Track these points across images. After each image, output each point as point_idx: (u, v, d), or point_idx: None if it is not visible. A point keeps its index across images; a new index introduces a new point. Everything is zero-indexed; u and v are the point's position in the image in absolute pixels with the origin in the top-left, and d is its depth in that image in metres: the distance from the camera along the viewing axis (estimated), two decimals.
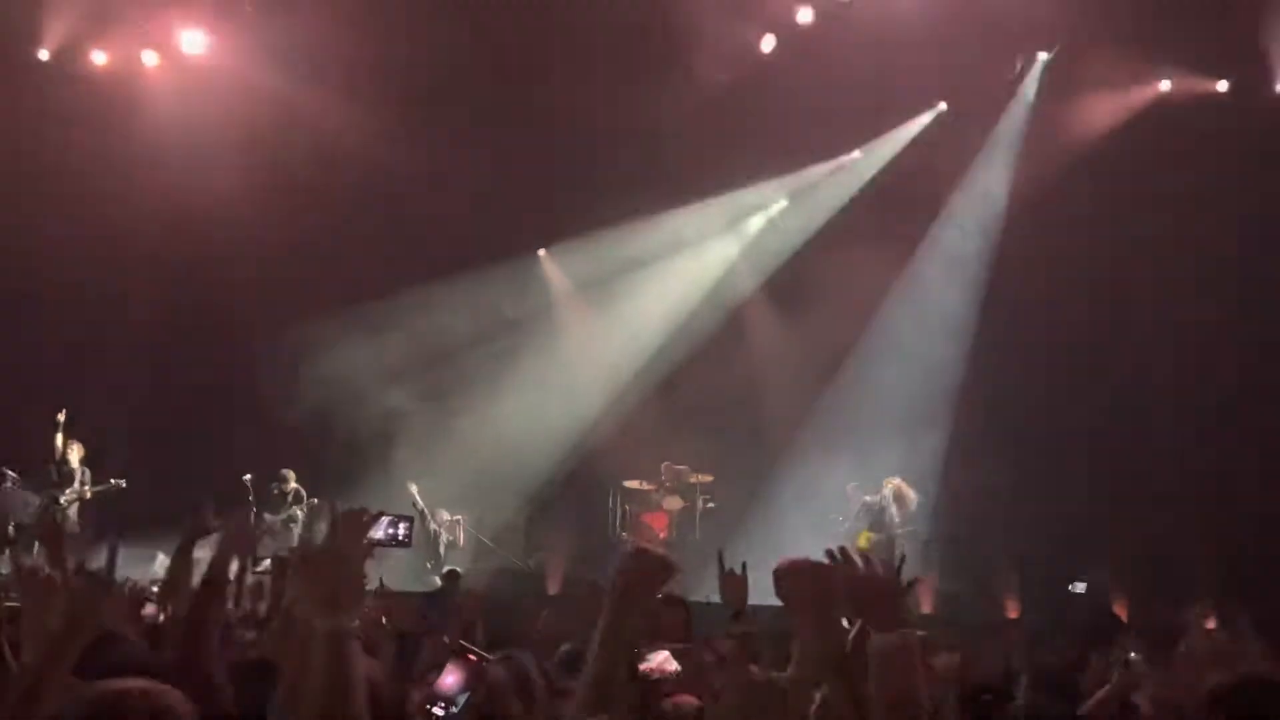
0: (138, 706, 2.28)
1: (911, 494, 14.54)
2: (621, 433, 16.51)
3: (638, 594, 2.95)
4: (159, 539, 11.95)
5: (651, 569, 2.98)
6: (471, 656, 3.25)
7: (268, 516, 14.48)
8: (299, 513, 14.78)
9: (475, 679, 3.21)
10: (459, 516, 15.61)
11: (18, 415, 13.93)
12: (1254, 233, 14.49)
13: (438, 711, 3.12)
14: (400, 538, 11.59)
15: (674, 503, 16.06)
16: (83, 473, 14.08)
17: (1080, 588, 14.33)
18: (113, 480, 14.15)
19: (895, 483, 14.54)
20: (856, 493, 14.72)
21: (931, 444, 15.12)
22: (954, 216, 16.54)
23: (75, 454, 14.06)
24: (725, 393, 15.74)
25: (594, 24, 14.82)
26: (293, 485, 14.90)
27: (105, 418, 14.63)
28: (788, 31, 15.49)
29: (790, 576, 2.90)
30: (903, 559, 3.10)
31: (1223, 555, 13.51)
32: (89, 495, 14.13)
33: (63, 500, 13.91)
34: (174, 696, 2.35)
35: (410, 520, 12.28)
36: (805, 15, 15.37)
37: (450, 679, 3.20)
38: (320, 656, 2.48)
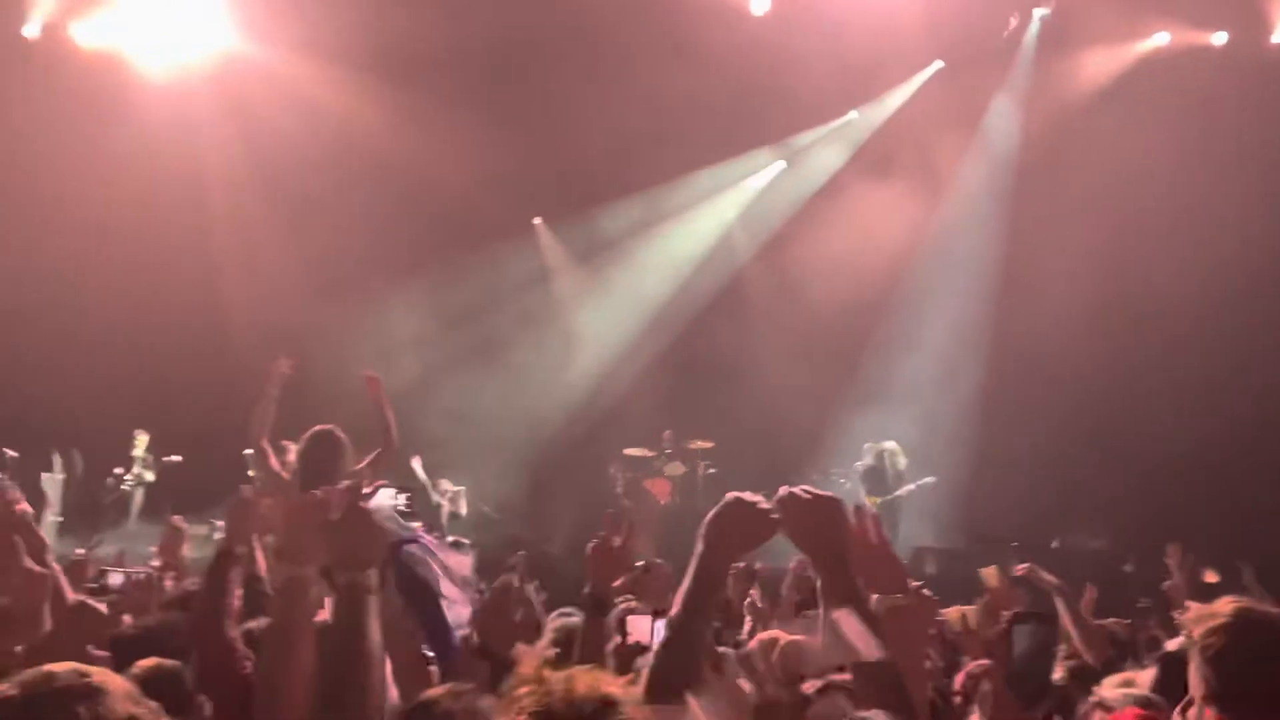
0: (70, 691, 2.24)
1: (902, 458, 14.58)
2: (622, 400, 16.52)
3: (725, 555, 2.58)
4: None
5: (746, 524, 2.60)
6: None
7: None
8: None
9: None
10: (461, 487, 15.59)
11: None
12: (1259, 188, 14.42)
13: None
14: (401, 509, 11.53)
15: (675, 469, 16.06)
16: (144, 458, 14.50)
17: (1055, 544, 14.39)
18: (166, 458, 14.46)
19: (891, 446, 14.56)
20: (871, 451, 14.71)
21: (941, 408, 15.10)
22: (961, 177, 16.43)
23: (141, 441, 14.49)
24: (726, 358, 15.73)
25: None
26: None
27: (107, 401, 14.56)
28: None
29: (793, 507, 2.62)
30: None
31: (1233, 512, 13.54)
32: (150, 477, 14.50)
33: (124, 486, 14.38)
34: (112, 681, 2.32)
35: (410, 492, 12.23)
36: None
37: None
38: (274, 605, 2.74)
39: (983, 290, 15.79)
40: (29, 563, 3.43)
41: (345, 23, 14.41)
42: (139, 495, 14.47)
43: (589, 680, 1.92)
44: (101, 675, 2.21)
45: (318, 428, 6.49)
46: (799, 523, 2.61)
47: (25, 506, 4.11)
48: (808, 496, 2.63)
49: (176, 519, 7.18)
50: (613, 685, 1.94)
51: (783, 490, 2.64)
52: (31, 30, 15.12)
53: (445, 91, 15.20)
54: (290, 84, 15.09)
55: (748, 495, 2.62)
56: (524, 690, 1.91)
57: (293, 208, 15.44)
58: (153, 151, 14.85)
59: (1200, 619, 2.94)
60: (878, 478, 14.52)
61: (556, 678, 1.91)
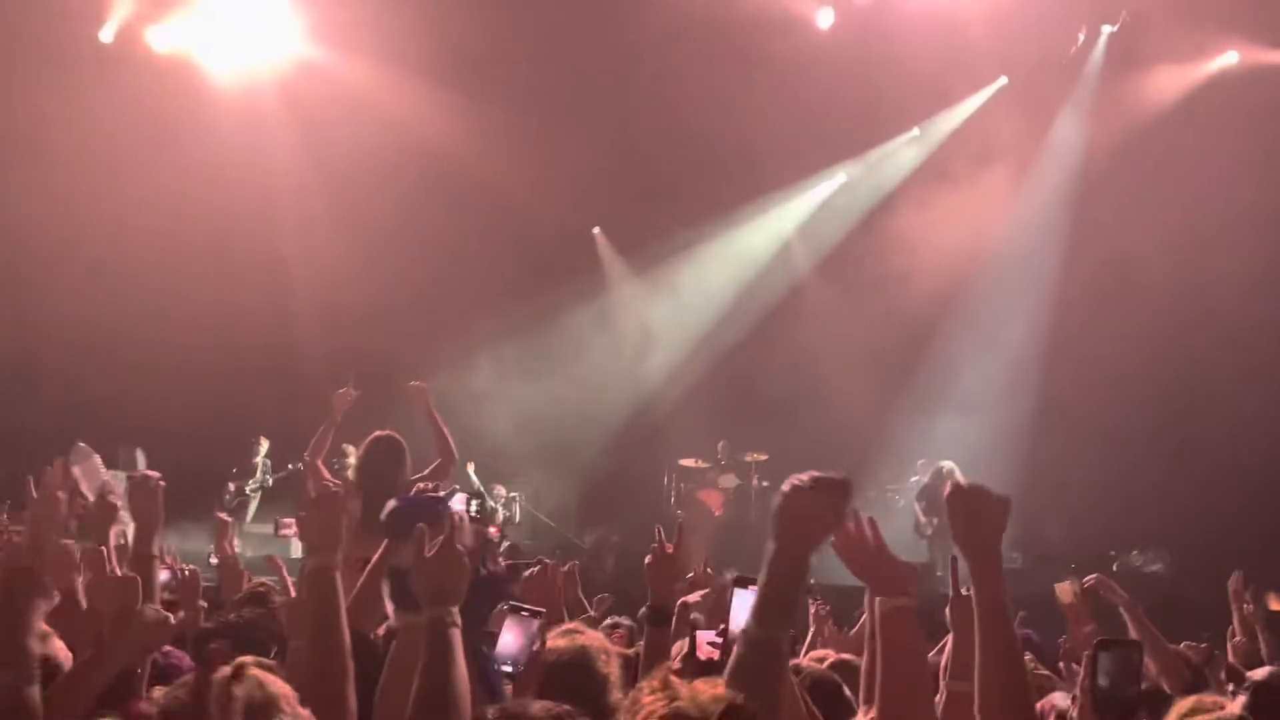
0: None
1: (960, 477, 14.35)
2: (677, 410, 16.54)
3: (802, 548, 2.41)
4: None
5: (816, 509, 2.44)
6: (525, 613, 3.25)
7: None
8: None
9: (533, 635, 3.23)
10: (515, 493, 15.68)
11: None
12: None
13: (506, 669, 3.15)
14: (472, 514, 11.65)
15: (729, 481, 16.04)
16: (265, 464, 14.73)
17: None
18: (290, 465, 14.50)
19: (949, 466, 14.40)
20: (926, 468, 14.55)
21: (1000, 423, 14.95)
22: (1023, 192, 16.29)
23: (263, 447, 14.71)
24: (783, 370, 15.70)
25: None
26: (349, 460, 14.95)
27: (174, 402, 14.78)
28: (846, 6, 15.28)
29: (964, 498, 2.63)
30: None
31: None
32: (270, 483, 14.74)
33: (248, 490, 14.62)
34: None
35: (481, 498, 12.41)
36: None
37: (509, 637, 3.21)
38: (305, 591, 2.87)
39: (1045, 306, 15.67)
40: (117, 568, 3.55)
41: (416, 29, 14.48)
42: (255, 502, 14.68)
43: (713, 688, 1.98)
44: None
45: (378, 433, 6.58)
46: (962, 512, 2.63)
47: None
48: (980, 491, 2.63)
49: (221, 514, 7.23)
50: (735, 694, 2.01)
51: (952, 483, 2.66)
52: (106, 34, 15.27)
53: (513, 99, 15.28)
54: (359, 91, 15.21)
55: (806, 477, 2.47)
56: (649, 698, 1.97)
57: (360, 215, 15.61)
58: (222, 157, 15.07)
59: None
60: (933, 496, 14.35)
61: (683, 685, 1.98)
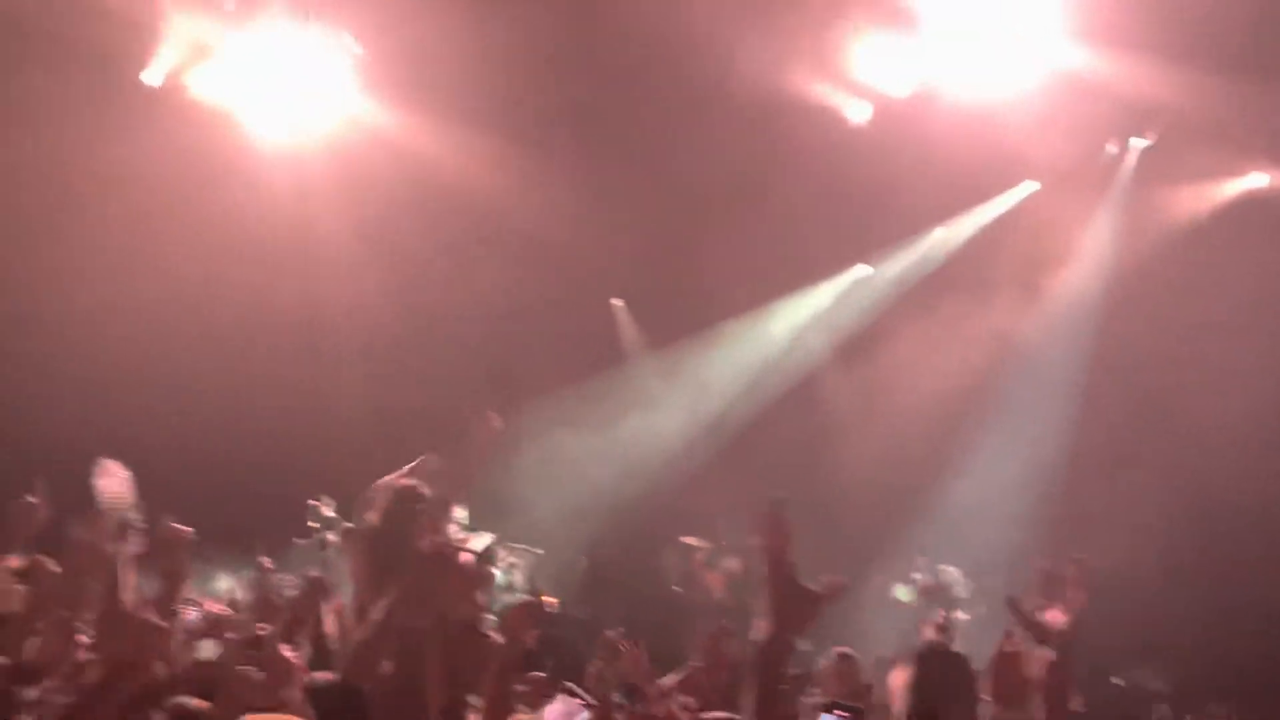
0: None
1: (962, 584, 14.31)
2: (683, 489, 16.47)
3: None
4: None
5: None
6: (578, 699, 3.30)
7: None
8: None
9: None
10: (514, 560, 15.54)
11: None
12: None
13: None
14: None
15: (732, 564, 15.90)
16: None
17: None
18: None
19: (951, 571, 14.31)
20: (928, 566, 14.44)
21: (1008, 528, 14.84)
22: (1048, 298, 16.34)
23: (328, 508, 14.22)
24: (793, 456, 15.66)
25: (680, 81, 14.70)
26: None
27: (209, 455, 14.69)
28: (883, 101, 15.42)
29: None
30: None
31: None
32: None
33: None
34: None
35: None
36: (903, 89, 15.23)
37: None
38: None
39: (1062, 412, 15.64)
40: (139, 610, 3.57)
41: (468, 86, 14.35)
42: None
43: None
44: None
45: (403, 482, 6.53)
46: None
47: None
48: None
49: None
50: None
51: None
52: (151, 77, 15.12)
53: (554, 161, 15.22)
54: (405, 143, 15.13)
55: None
56: None
57: (403, 274, 15.64)
58: (263, 211, 15.04)
59: None
60: (936, 597, 14.23)
61: None
